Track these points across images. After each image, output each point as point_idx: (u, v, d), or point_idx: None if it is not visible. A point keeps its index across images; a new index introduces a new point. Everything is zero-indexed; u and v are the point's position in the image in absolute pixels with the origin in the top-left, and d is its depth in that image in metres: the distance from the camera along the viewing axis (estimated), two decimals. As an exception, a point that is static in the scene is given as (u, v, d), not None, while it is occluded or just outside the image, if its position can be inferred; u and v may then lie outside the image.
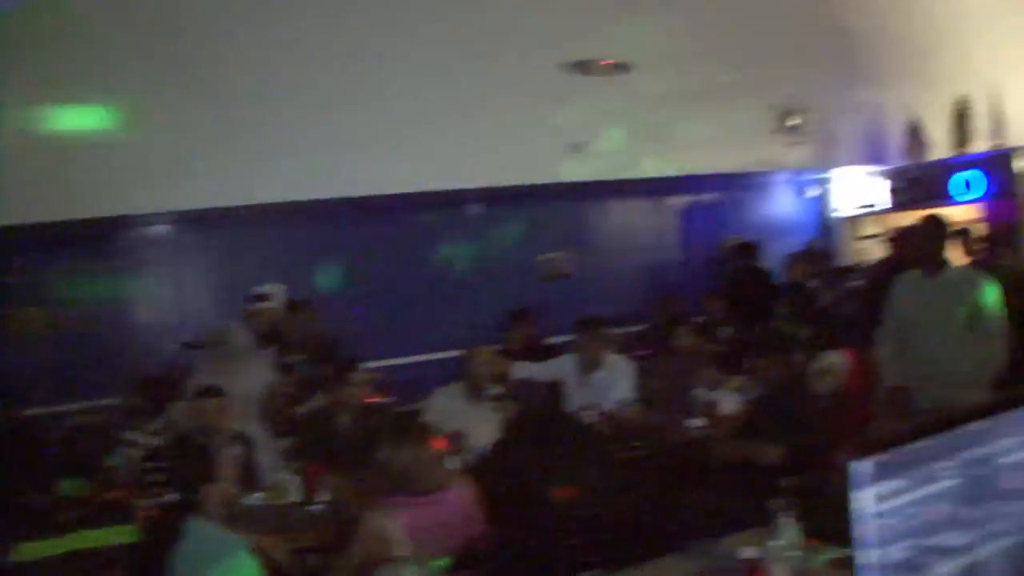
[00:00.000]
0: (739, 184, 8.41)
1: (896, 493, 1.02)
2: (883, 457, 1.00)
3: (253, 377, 4.96)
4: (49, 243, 6.14)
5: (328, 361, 5.19)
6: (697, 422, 4.96)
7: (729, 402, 5.05)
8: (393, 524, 2.99)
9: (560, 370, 5.39)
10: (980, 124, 8.30)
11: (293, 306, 5.47)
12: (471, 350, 5.08)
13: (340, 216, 6.91)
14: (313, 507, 3.95)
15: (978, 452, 1.14)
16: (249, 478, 4.22)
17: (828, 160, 8.34)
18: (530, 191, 7.18)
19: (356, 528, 3.07)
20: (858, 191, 8.91)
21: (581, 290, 7.59)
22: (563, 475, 3.56)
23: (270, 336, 5.19)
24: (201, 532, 2.78)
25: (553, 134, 6.76)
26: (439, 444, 3.42)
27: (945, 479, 1.10)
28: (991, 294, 4.26)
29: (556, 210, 7.75)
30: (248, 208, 6.13)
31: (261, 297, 5.19)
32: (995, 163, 7.79)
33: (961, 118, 8.32)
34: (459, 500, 3.27)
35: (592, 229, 8.03)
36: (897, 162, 8.50)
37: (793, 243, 8.18)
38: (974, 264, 6.02)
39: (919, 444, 1.04)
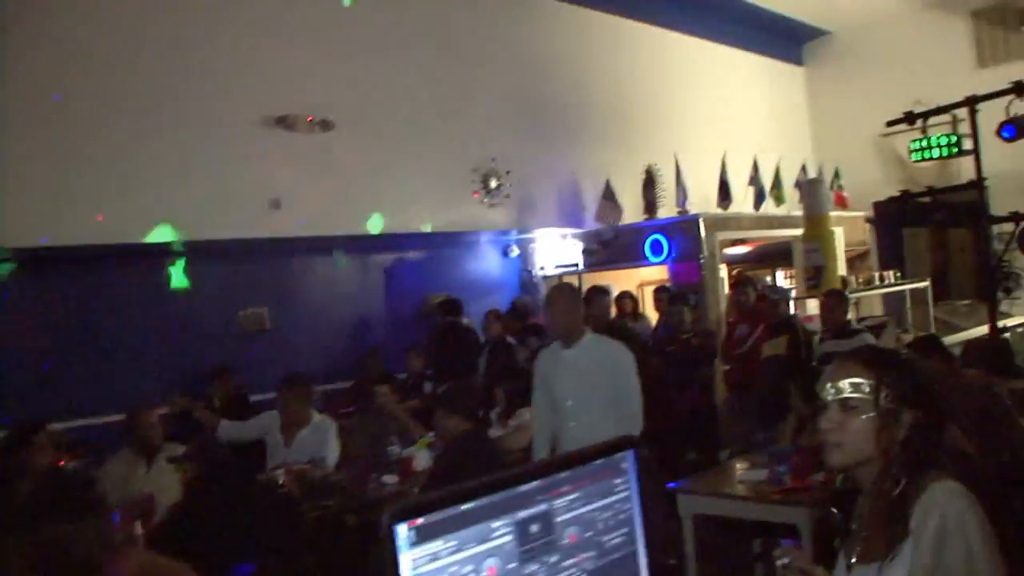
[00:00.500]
0: (443, 242, 8.63)
1: (445, 554, 1.11)
2: (431, 518, 1.16)
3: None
4: None
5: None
6: (392, 479, 5.09)
7: (423, 458, 5.19)
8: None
9: (261, 428, 5.32)
10: (667, 191, 9.24)
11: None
12: (134, 411, 4.80)
13: (29, 267, 6.30)
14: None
15: (533, 511, 1.31)
16: None
17: (527, 221, 8.84)
18: (231, 246, 6.97)
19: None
20: (558, 251, 9.49)
21: (285, 346, 7.42)
22: (246, 537, 3.54)
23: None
24: None
25: (255, 189, 6.69)
26: (111, 513, 3.28)
27: (498, 538, 1.18)
28: (624, 361, 4.32)
29: (258, 266, 7.54)
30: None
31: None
32: (679, 228, 8.57)
33: (649, 185, 9.25)
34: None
35: (296, 285, 7.86)
36: (592, 225, 9.19)
37: (495, 300, 8.52)
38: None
39: (471, 504, 1.22)
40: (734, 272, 9.63)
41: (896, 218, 10.24)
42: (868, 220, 10.87)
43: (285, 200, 6.84)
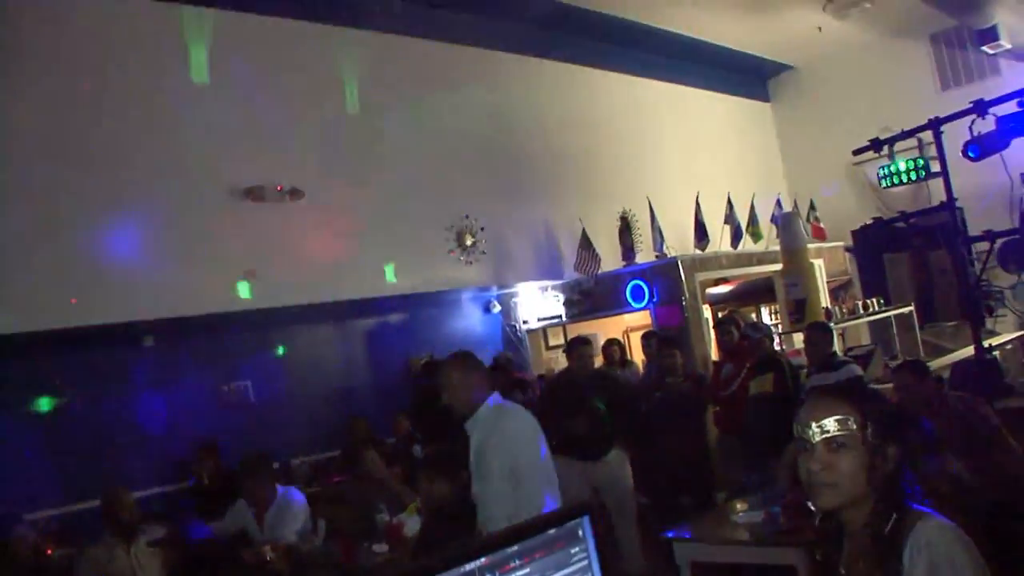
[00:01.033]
0: (423, 302, 8.60)
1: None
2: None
3: None
4: None
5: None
6: (381, 547, 4.98)
7: (413, 523, 5.09)
8: None
9: (235, 520, 5.16)
10: (643, 236, 9.26)
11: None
12: (110, 491, 4.70)
13: (5, 353, 6.21)
14: None
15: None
16: None
17: (506, 276, 8.81)
18: (209, 320, 6.89)
19: None
20: (540, 304, 9.51)
21: (270, 418, 7.35)
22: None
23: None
24: None
25: (227, 261, 6.66)
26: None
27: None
28: (521, 431, 3.76)
29: (239, 337, 7.52)
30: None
31: None
32: (658, 272, 8.60)
33: (625, 231, 9.27)
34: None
35: (277, 356, 7.82)
36: (571, 275, 9.15)
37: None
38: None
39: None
40: (719, 312, 9.60)
41: (875, 245, 10.24)
42: (847, 249, 10.88)
43: (261, 270, 6.78)
